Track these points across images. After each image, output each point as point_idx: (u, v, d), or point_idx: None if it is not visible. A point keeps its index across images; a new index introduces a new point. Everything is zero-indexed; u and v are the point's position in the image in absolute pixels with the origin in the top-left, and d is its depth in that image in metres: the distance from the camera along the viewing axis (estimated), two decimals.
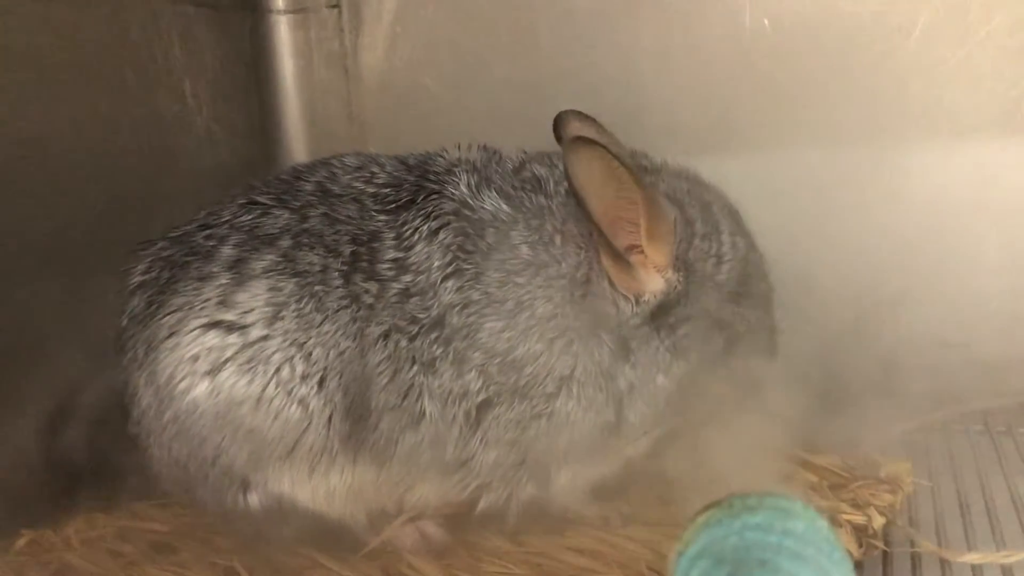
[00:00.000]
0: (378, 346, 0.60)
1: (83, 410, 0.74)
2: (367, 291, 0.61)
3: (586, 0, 0.92)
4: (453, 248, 0.61)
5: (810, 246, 0.81)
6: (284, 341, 0.60)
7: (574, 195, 0.59)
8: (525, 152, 0.67)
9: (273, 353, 0.60)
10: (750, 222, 0.69)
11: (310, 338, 0.60)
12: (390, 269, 0.61)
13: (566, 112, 0.67)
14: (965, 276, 0.83)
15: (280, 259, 0.61)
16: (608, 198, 0.59)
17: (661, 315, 0.62)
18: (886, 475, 0.69)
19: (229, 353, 0.60)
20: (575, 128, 0.66)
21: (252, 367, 0.60)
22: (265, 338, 0.60)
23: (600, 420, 0.62)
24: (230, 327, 0.60)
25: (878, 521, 0.64)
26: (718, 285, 0.63)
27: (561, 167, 0.63)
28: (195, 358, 0.60)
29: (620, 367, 0.62)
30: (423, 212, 0.62)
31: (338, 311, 0.60)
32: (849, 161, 0.85)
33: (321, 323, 0.60)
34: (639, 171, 0.60)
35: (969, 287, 0.83)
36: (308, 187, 0.65)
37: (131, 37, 0.86)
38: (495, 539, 0.66)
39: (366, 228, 0.63)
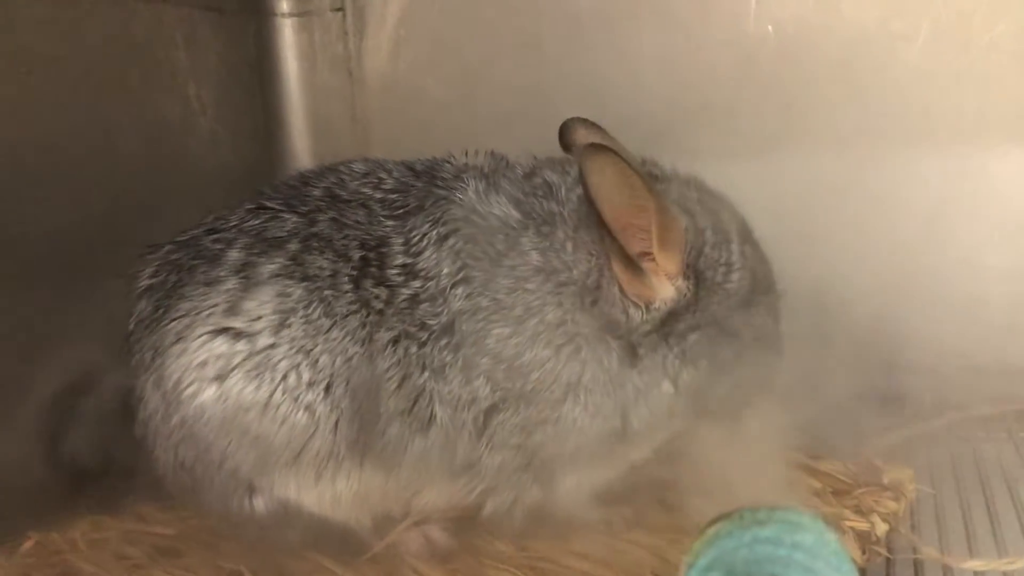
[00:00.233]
0: (387, 352, 0.60)
1: (88, 412, 0.74)
2: (377, 296, 0.61)
3: (590, 5, 0.92)
4: (462, 254, 0.61)
5: (812, 252, 0.81)
6: (291, 348, 0.60)
7: (587, 201, 0.60)
8: (536, 158, 0.67)
9: (280, 360, 0.60)
10: (753, 227, 0.69)
11: (317, 345, 0.60)
12: (399, 275, 0.62)
13: (572, 120, 0.68)
14: (967, 283, 0.83)
15: (289, 262, 0.61)
16: (620, 205, 0.59)
17: (670, 322, 0.63)
18: (889, 482, 0.70)
19: (236, 360, 0.60)
20: (582, 136, 0.66)
21: (259, 374, 0.60)
22: (272, 346, 0.60)
23: (606, 426, 0.62)
24: (238, 334, 0.60)
25: (881, 528, 0.65)
26: (727, 293, 0.63)
27: (573, 174, 0.63)
28: (203, 364, 0.60)
29: (627, 374, 0.62)
30: (431, 218, 0.63)
31: (347, 316, 0.60)
32: (852, 167, 0.85)
33: (329, 328, 0.60)
34: (651, 179, 0.60)
35: (971, 293, 0.83)
36: (316, 192, 0.65)
37: (136, 40, 0.86)
38: (499, 543, 0.66)
39: (374, 233, 0.63)
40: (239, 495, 0.62)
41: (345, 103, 1.01)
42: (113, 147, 0.83)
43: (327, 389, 0.60)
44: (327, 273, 0.61)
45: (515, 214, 0.63)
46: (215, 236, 0.64)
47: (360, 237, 0.63)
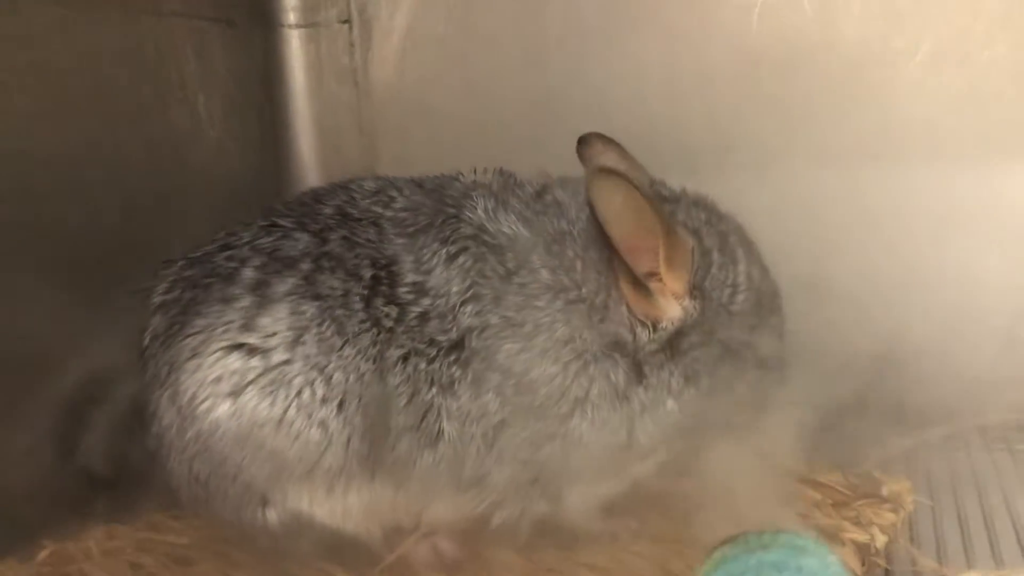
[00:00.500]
0: (397, 368, 0.61)
1: (101, 421, 0.75)
2: (387, 315, 0.62)
3: (595, 18, 0.93)
4: (472, 273, 0.62)
5: (813, 265, 0.82)
6: (305, 365, 0.61)
7: (595, 223, 0.61)
8: (547, 176, 0.68)
9: (295, 377, 0.61)
10: (754, 239, 0.70)
11: (330, 362, 0.61)
12: (409, 293, 0.63)
13: (590, 134, 0.69)
14: (967, 295, 0.84)
15: (302, 282, 0.62)
16: (628, 227, 0.60)
17: (676, 341, 0.64)
18: (888, 493, 0.71)
19: (251, 376, 0.61)
20: (598, 150, 0.68)
21: (274, 390, 0.61)
22: (287, 362, 0.61)
23: (612, 441, 0.64)
24: (252, 350, 0.61)
25: (881, 540, 0.66)
26: (732, 314, 0.65)
27: (583, 193, 0.64)
28: (217, 380, 0.61)
29: (634, 390, 0.63)
30: (441, 236, 0.64)
31: (359, 335, 0.61)
32: (853, 182, 0.86)
33: (342, 347, 0.61)
34: (659, 200, 0.61)
35: (970, 306, 0.84)
36: (328, 210, 0.66)
37: (146, 53, 0.87)
38: (507, 554, 0.67)
39: (385, 252, 0.64)
40: (252, 507, 0.63)
41: (351, 114, 1.02)
42: (122, 158, 0.84)
43: (340, 406, 0.61)
44: (339, 292, 0.62)
45: (524, 232, 0.64)
46: (228, 253, 0.65)
47: (371, 256, 0.64)
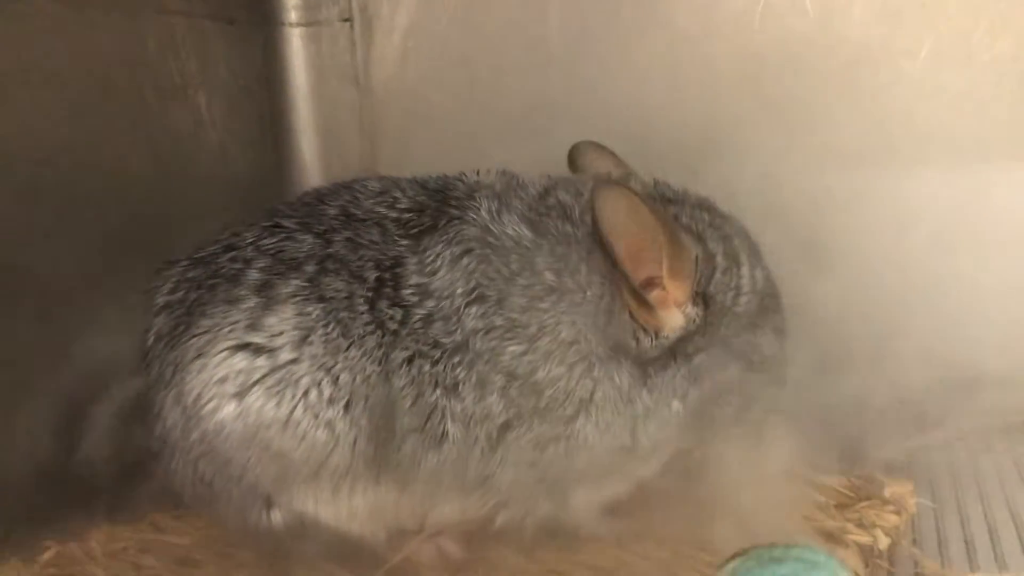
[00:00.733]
0: (402, 370, 0.61)
1: (104, 422, 0.75)
2: (392, 317, 0.62)
3: (597, 18, 0.93)
4: (476, 274, 0.62)
5: (814, 267, 0.82)
6: (312, 365, 0.61)
7: (598, 237, 0.61)
8: (551, 177, 0.68)
9: (301, 377, 0.61)
10: (756, 240, 0.70)
11: (337, 362, 0.61)
12: (414, 294, 0.63)
13: (582, 143, 0.69)
14: (967, 297, 0.85)
15: (306, 284, 0.62)
16: (632, 239, 0.60)
17: (679, 344, 0.64)
18: (891, 495, 0.71)
19: (257, 376, 0.61)
20: (592, 159, 0.67)
21: (280, 390, 0.61)
22: (294, 361, 0.61)
23: (616, 442, 0.64)
24: (258, 350, 0.61)
25: (884, 542, 0.66)
26: (735, 317, 0.65)
27: (586, 195, 0.64)
28: (223, 380, 0.61)
29: (637, 392, 0.63)
30: (445, 238, 0.64)
31: (364, 337, 0.61)
32: (855, 183, 0.86)
33: (348, 348, 0.61)
34: (662, 207, 0.61)
35: (971, 308, 0.84)
36: (332, 211, 0.66)
37: (148, 52, 0.87)
38: (511, 555, 0.67)
39: (389, 253, 0.64)
40: (257, 508, 0.63)
41: (353, 113, 1.02)
42: (123, 158, 0.84)
43: (347, 406, 0.61)
44: (343, 295, 0.62)
45: (528, 234, 0.64)
46: (232, 254, 0.65)
47: (375, 257, 0.63)
